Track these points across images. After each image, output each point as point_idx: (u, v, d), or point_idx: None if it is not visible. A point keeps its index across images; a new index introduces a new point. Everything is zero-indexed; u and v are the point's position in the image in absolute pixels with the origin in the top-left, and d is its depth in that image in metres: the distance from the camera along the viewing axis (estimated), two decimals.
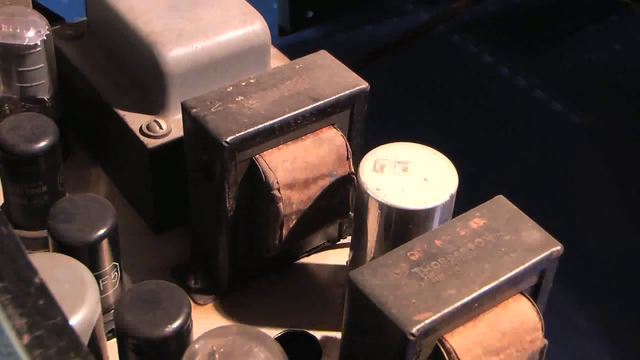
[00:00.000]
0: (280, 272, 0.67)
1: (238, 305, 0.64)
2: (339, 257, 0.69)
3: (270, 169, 0.59)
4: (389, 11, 1.18)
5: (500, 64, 1.14)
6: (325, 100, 0.61)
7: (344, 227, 0.68)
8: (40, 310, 0.39)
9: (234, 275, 0.65)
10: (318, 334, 0.63)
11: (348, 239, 0.69)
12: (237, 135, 0.58)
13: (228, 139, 0.58)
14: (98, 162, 0.75)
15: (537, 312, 0.53)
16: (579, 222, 1.05)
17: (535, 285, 0.54)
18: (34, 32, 0.69)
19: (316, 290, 0.67)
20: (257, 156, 0.60)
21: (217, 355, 0.46)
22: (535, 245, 0.53)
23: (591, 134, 1.13)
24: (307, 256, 0.69)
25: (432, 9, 1.20)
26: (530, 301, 0.53)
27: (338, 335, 0.62)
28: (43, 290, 0.39)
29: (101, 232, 0.57)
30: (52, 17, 0.83)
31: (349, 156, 0.62)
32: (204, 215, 0.64)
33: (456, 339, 0.50)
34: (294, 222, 0.62)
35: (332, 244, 0.69)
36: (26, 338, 0.37)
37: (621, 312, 0.93)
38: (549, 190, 1.12)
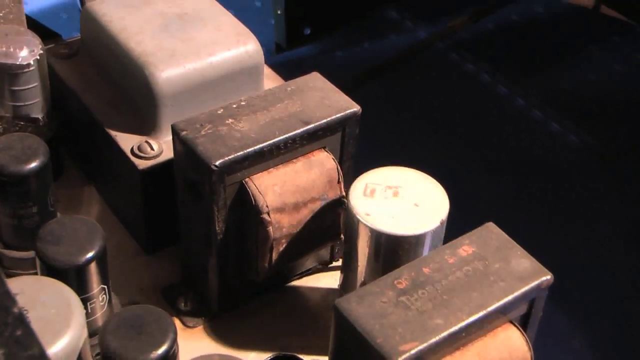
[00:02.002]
0: (271, 295, 0.67)
1: (228, 327, 0.64)
2: (330, 279, 0.69)
3: (259, 192, 0.59)
4: (387, 28, 1.18)
5: (498, 83, 1.14)
6: (316, 124, 0.61)
7: (336, 250, 0.68)
8: (18, 341, 0.38)
9: (223, 297, 0.64)
10: (308, 358, 0.63)
11: (340, 262, 0.68)
12: (226, 158, 0.58)
13: (217, 163, 0.57)
14: (90, 181, 0.75)
15: (527, 342, 0.53)
16: (575, 243, 1.05)
17: (525, 314, 0.54)
18: (27, 52, 0.69)
19: (307, 314, 0.67)
20: (246, 179, 0.60)
21: None
22: (525, 274, 0.53)
23: (589, 155, 1.12)
24: (298, 279, 0.68)
25: (430, 26, 1.20)
26: (520, 330, 0.53)
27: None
28: (21, 320, 0.39)
29: (89, 255, 0.57)
30: (48, 34, 0.83)
31: (340, 179, 0.62)
32: (193, 237, 0.64)
33: None
34: (284, 246, 0.62)
35: (323, 267, 0.69)
36: None
37: (615, 335, 0.93)
38: (546, 211, 1.12)
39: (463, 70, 1.15)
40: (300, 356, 0.63)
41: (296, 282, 0.68)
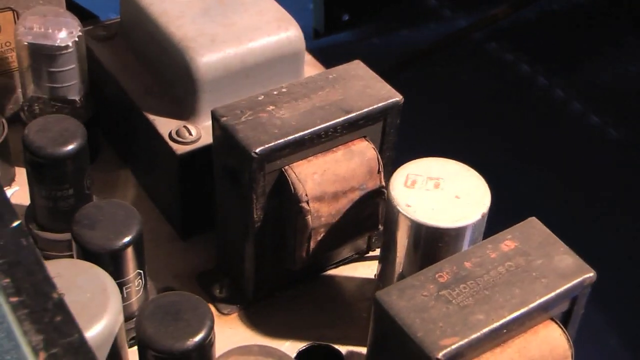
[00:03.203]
0: (307, 284, 0.67)
1: (263, 316, 0.64)
2: (367, 269, 0.68)
3: (299, 180, 0.59)
4: (425, 16, 1.17)
5: (537, 74, 1.13)
6: (357, 113, 0.61)
7: (373, 240, 0.68)
8: (57, 327, 0.38)
9: (259, 285, 0.64)
10: (343, 349, 0.63)
11: (377, 252, 0.68)
12: (266, 146, 0.57)
13: (257, 150, 0.57)
14: (127, 164, 0.76)
15: (568, 339, 0.53)
16: (614, 239, 1.04)
17: (566, 312, 0.54)
18: (66, 33, 0.70)
19: (342, 304, 0.67)
20: (286, 167, 0.59)
21: None
22: (567, 271, 0.53)
23: (629, 149, 1.11)
24: (334, 268, 0.68)
25: (470, 15, 1.19)
26: (561, 328, 0.53)
27: (363, 350, 0.61)
28: (61, 306, 0.39)
29: (126, 240, 0.57)
30: (87, 16, 0.83)
31: (380, 169, 0.62)
32: (230, 223, 0.64)
33: None
34: (322, 235, 0.62)
35: (360, 256, 0.69)
36: (42, 356, 0.37)
37: None
38: (584, 206, 1.10)
39: (502, 61, 1.15)
40: (336, 347, 0.63)
41: (332, 272, 0.68)
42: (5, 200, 0.45)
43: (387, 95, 0.62)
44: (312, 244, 0.62)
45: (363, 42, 0.83)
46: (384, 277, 0.61)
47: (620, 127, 1.08)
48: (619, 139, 1.08)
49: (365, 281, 0.68)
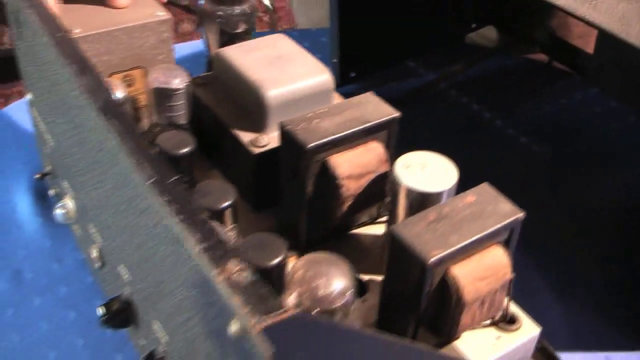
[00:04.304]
0: (338, 239, 0.69)
1: None
2: (378, 230, 0.70)
3: (336, 166, 0.62)
4: (406, 73, 1.20)
5: (483, 111, 1.13)
6: (371, 123, 0.64)
7: (381, 209, 0.70)
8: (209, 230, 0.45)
9: (308, 240, 0.66)
10: (364, 277, 0.65)
11: (384, 218, 0.70)
12: (315, 143, 0.61)
13: (309, 146, 0.61)
14: (215, 166, 0.78)
15: (508, 256, 0.56)
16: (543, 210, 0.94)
17: (506, 239, 0.57)
18: (179, 80, 0.75)
19: (362, 251, 0.68)
20: (327, 158, 0.62)
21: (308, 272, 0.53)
22: (507, 212, 0.56)
23: (555, 161, 1.08)
24: (356, 229, 0.70)
25: (436, 71, 1.20)
26: (504, 248, 0.56)
27: (378, 278, 0.64)
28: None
29: (227, 203, 0.62)
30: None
31: (387, 159, 0.65)
32: (290, 199, 0.66)
33: (457, 269, 0.54)
34: (350, 203, 0.64)
35: (372, 221, 0.70)
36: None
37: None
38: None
39: (459, 102, 1.14)
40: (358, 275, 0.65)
41: (354, 231, 0.70)
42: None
43: (389, 112, 0.65)
44: (344, 209, 0.64)
45: (364, 91, 0.89)
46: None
47: (547, 145, 1.08)
48: (546, 153, 1.09)
49: (377, 237, 0.69)
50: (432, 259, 0.52)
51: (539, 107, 1.17)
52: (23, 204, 0.95)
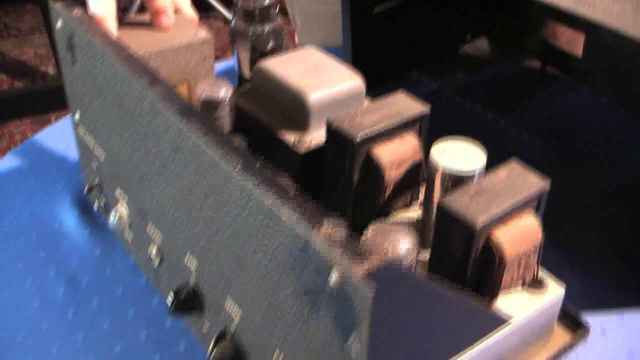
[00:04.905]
0: (380, 220, 0.69)
1: (356, 241, 0.68)
2: (412, 214, 0.72)
3: (379, 156, 0.67)
4: (412, 83, 1.25)
5: (487, 113, 1.17)
6: (406, 117, 0.68)
7: (413, 196, 0.74)
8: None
9: (354, 226, 0.68)
10: None
11: (415, 205, 0.75)
12: (362, 137, 0.66)
13: (358, 139, 0.66)
14: None
15: (539, 222, 0.61)
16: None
17: (537, 206, 0.61)
18: (224, 91, 0.81)
19: None
20: (371, 149, 0.67)
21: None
22: (535, 184, 0.61)
23: (549, 155, 1.11)
24: (393, 215, 0.72)
25: (440, 80, 1.25)
26: (534, 214, 0.61)
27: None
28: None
29: None
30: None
31: (421, 149, 0.69)
32: (337, 190, 0.69)
33: (498, 232, 0.59)
34: (390, 190, 0.68)
35: (407, 206, 0.73)
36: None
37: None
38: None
39: (462, 106, 1.18)
40: None
41: (392, 217, 0.73)
42: None
43: (421, 107, 0.70)
44: (385, 196, 0.68)
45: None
46: (425, 215, 0.68)
47: (546, 142, 1.10)
48: (544, 149, 1.11)
49: (412, 220, 0.72)
50: (480, 225, 0.57)
51: (537, 107, 1.23)
52: (69, 219, 1.01)
